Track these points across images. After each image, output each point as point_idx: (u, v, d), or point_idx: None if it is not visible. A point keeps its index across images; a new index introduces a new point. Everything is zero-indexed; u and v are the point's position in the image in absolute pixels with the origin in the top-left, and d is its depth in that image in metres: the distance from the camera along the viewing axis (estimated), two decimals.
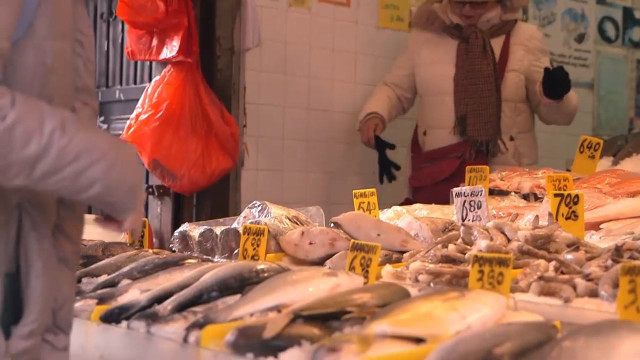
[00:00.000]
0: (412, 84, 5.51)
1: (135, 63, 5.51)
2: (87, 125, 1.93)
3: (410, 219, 3.29)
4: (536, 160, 5.45)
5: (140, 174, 2.01)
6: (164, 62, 5.09)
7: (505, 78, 5.29)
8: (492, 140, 5.24)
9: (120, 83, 5.66)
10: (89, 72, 2.06)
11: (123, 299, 2.56)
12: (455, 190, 3.43)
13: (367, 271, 2.64)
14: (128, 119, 5.04)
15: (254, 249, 3.05)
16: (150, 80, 5.23)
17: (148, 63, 5.42)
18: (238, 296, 2.39)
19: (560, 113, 5.24)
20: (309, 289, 2.33)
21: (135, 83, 5.55)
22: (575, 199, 3.03)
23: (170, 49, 4.98)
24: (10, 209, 1.83)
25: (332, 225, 3.18)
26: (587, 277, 2.42)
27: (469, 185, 3.90)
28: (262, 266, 2.53)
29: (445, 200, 4.03)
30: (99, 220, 2.04)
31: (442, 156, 5.32)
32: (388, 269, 2.78)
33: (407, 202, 4.89)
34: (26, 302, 1.85)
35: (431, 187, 5.27)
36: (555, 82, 4.97)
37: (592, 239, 3.06)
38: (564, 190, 3.43)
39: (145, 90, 5.04)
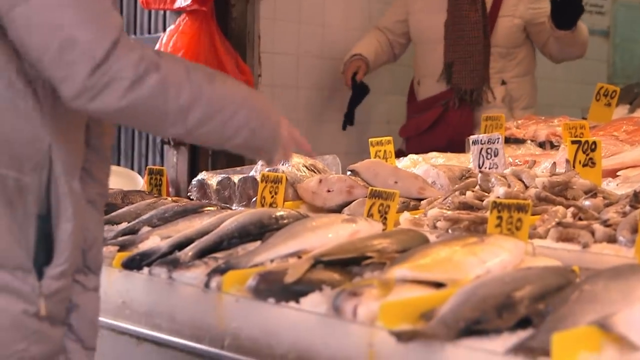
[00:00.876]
0: (405, 30, 5.44)
1: (150, 12, 5.49)
2: (222, 74, 2.04)
3: (427, 167, 3.29)
4: (532, 106, 5.35)
5: (277, 117, 2.10)
6: (179, 11, 5.06)
7: (497, 24, 5.18)
8: (478, 89, 5.16)
9: (135, 32, 5.64)
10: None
11: (144, 246, 2.58)
12: (472, 137, 3.43)
13: (385, 218, 2.65)
14: None
15: (272, 196, 3.07)
16: (164, 29, 5.20)
17: (162, 12, 5.39)
18: (258, 242, 2.41)
19: (574, 44, 5.10)
20: (329, 235, 2.34)
21: (149, 33, 5.53)
22: (593, 146, 3.03)
23: None
24: (43, 152, 1.85)
25: (349, 172, 3.19)
26: (605, 223, 2.43)
27: (485, 133, 3.89)
28: (282, 213, 2.55)
29: (429, 150, 3.96)
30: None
31: (429, 106, 5.28)
32: (406, 216, 2.80)
33: (400, 153, 4.80)
34: (57, 244, 1.87)
35: (417, 137, 5.25)
36: (565, 10, 4.87)
37: (609, 186, 3.06)
38: (581, 137, 3.42)
39: (159, 39, 5.01)
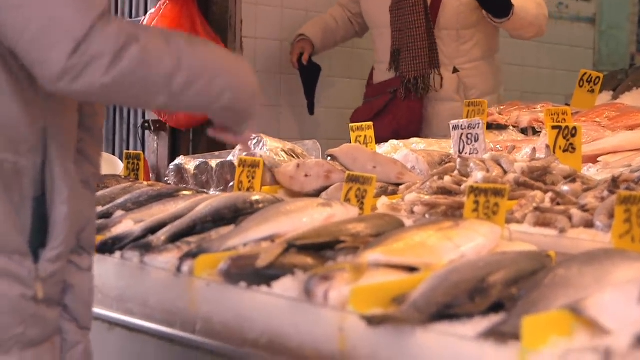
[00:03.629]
0: (360, 10, 5.22)
1: None
2: (199, 39, 2.02)
3: (406, 152, 3.27)
4: (491, 92, 5.02)
5: (255, 79, 2.07)
6: None
7: (443, 4, 4.86)
8: (422, 76, 4.86)
9: (116, 15, 5.59)
10: None
11: (117, 230, 2.55)
12: (453, 122, 3.40)
13: (362, 203, 2.63)
14: None
15: (249, 181, 3.04)
16: (145, 13, 5.17)
17: None
18: (232, 227, 2.38)
19: (521, 27, 4.81)
20: (303, 219, 2.32)
21: (130, 16, 5.48)
22: (573, 132, 3.01)
23: None
24: (38, 134, 1.84)
25: (328, 157, 3.16)
26: (583, 208, 2.41)
27: (467, 118, 3.87)
28: (257, 197, 2.52)
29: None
30: (215, 132, 2.10)
31: (379, 92, 5.05)
32: (384, 200, 2.78)
33: None
34: (53, 227, 1.86)
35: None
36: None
37: (590, 171, 3.04)
38: (563, 123, 3.40)
39: (140, 23, 4.98)
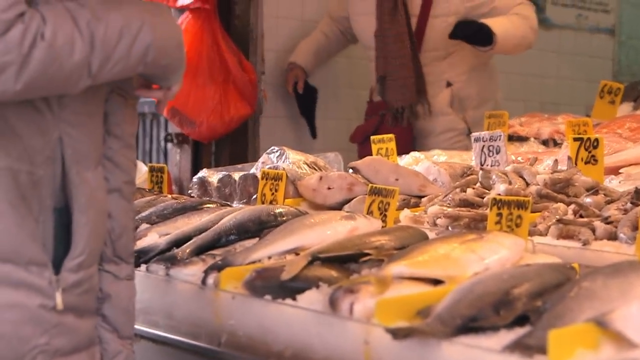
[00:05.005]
0: (350, 25, 5.17)
1: None
2: (112, 2, 1.92)
3: (428, 164, 3.28)
4: (487, 100, 4.97)
5: (179, 29, 2.03)
6: (182, 9, 5.06)
7: (429, 27, 4.78)
8: (409, 106, 4.81)
9: None
10: None
11: (142, 243, 2.57)
12: (474, 135, 3.41)
13: (385, 215, 2.64)
14: None
15: (272, 194, 3.05)
16: None
17: None
18: (256, 239, 2.40)
19: (506, 52, 4.83)
20: (327, 231, 2.33)
21: None
22: (595, 143, 3.01)
23: None
24: (53, 144, 1.85)
25: (350, 170, 3.17)
26: (606, 220, 2.41)
27: (487, 130, 3.87)
28: (281, 210, 2.53)
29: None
30: (143, 88, 2.05)
31: (371, 112, 5.01)
32: (406, 213, 2.78)
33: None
34: (73, 236, 1.87)
35: (360, 145, 4.98)
36: (467, 31, 4.65)
37: (612, 183, 3.03)
38: (584, 134, 3.40)
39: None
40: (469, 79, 4.93)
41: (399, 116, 4.84)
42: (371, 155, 3.75)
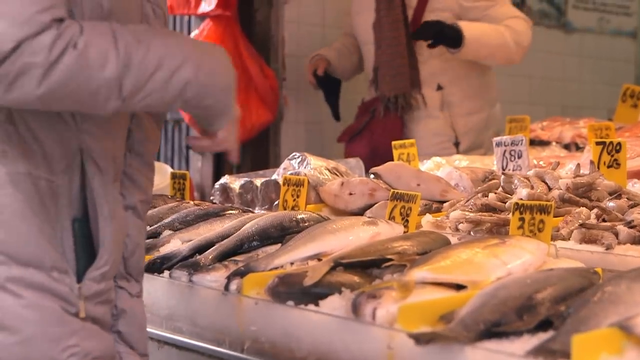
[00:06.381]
0: None
1: (174, 17, 5.51)
2: (163, 31, 1.89)
3: (450, 169, 3.27)
4: (479, 109, 4.86)
5: (232, 72, 1.93)
6: (203, 16, 5.09)
7: (425, 19, 4.68)
8: (403, 95, 4.73)
9: None
10: (159, 19, 2.01)
11: (165, 249, 2.58)
12: (496, 139, 3.40)
13: (407, 221, 2.64)
14: None
15: (294, 200, 3.06)
16: (189, 34, 5.23)
17: (187, 17, 5.41)
18: (278, 245, 2.40)
19: (482, 58, 4.70)
20: (349, 237, 2.33)
21: None
22: (618, 147, 3.00)
23: (209, 3, 4.97)
24: (72, 155, 1.84)
25: (371, 175, 3.17)
26: (630, 224, 2.40)
27: (509, 135, 3.87)
28: (303, 215, 2.54)
29: (352, 156, 3.73)
30: (192, 140, 2.01)
31: (362, 112, 4.95)
32: (428, 218, 2.78)
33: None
34: (98, 246, 1.86)
35: (348, 144, 4.93)
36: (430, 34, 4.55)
37: (635, 187, 3.02)
38: (606, 138, 3.39)
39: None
40: (463, 85, 4.82)
41: (391, 105, 4.74)
42: (356, 154, 3.75)
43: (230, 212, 2.87)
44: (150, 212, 2.99)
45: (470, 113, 4.82)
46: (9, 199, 1.78)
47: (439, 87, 4.78)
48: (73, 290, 1.82)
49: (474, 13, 4.68)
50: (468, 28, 4.55)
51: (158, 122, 2.06)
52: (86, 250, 1.85)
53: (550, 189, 2.79)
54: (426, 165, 3.71)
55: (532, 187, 2.76)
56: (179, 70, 1.79)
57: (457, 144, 4.75)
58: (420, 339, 1.71)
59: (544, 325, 1.74)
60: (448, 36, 4.55)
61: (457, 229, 2.64)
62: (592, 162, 2.96)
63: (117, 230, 1.89)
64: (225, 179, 3.50)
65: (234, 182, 3.44)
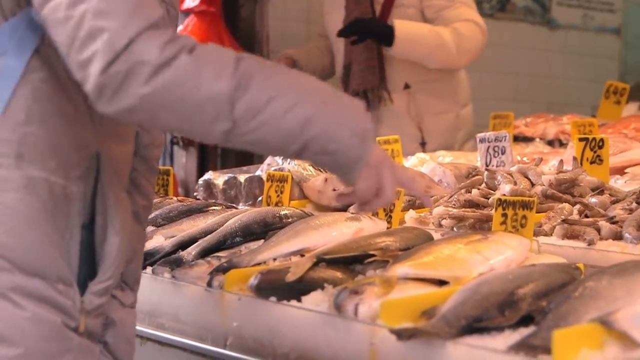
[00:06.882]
0: None
1: None
2: (285, 66, 1.74)
3: (434, 165, 3.28)
4: (447, 111, 4.76)
5: (365, 118, 1.73)
6: (187, 12, 5.07)
7: (391, 17, 4.59)
8: (372, 89, 4.64)
9: None
10: (173, 20, 1.92)
11: (148, 245, 2.55)
12: (479, 135, 3.41)
13: (390, 216, 2.64)
14: None
15: (278, 196, 3.06)
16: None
17: None
18: (262, 241, 2.40)
19: (418, 59, 4.57)
20: (332, 233, 2.33)
21: None
22: (600, 143, 3.01)
23: None
24: (89, 160, 1.74)
25: None
26: (611, 220, 2.41)
27: (493, 131, 3.87)
28: (286, 211, 2.54)
29: None
30: (340, 198, 1.86)
31: None
32: (411, 214, 2.79)
33: None
34: (103, 258, 1.77)
35: None
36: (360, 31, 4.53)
37: (617, 183, 3.04)
38: (589, 135, 3.40)
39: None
40: (430, 85, 4.73)
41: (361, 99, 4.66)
42: None
43: (214, 208, 2.86)
44: None
45: (438, 113, 4.75)
46: (22, 204, 1.67)
47: (406, 86, 4.71)
48: (75, 304, 1.72)
49: (429, 12, 4.61)
50: (402, 27, 4.49)
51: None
52: (88, 260, 1.77)
53: (533, 184, 2.80)
54: (410, 161, 3.71)
55: (515, 183, 2.77)
56: (302, 103, 1.63)
57: (423, 144, 4.70)
58: (402, 335, 1.72)
59: (526, 320, 1.75)
60: (378, 33, 4.51)
61: (440, 225, 2.65)
62: (575, 158, 2.97)
63: (124, 243, 1.80)
64: (209, 175, 3.49)
65: (218, 178, 3.43)
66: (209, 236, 2.44)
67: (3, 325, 1.66)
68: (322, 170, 3.30)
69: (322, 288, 2.04)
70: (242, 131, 1.61)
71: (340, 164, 1.71)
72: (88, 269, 1.76)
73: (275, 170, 3.18)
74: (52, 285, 1.69)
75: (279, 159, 3.38)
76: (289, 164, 3.30)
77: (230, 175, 3.43)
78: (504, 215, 2.33)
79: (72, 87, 1.68)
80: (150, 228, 2.74)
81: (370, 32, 4.53)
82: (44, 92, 1.68)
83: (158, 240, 2.59)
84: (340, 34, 4.61)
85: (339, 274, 2.09)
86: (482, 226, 2.55)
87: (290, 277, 2.06)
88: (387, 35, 4.48)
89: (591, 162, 3.00)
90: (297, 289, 2.04)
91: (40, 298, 1.68)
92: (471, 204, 2.73)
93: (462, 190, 2.85)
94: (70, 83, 1.67)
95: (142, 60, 1.54)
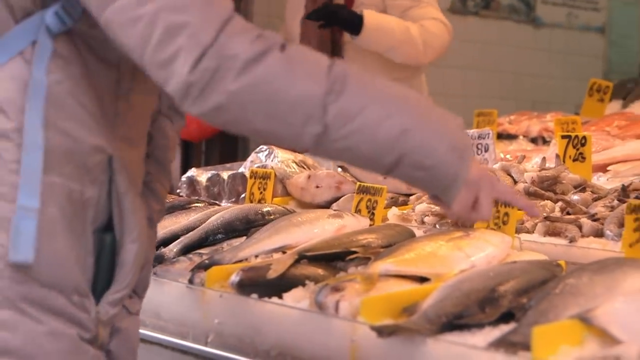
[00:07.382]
0: None
1: None
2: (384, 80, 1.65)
3: None
4: None
5: (465, 134, 1.68)
6: None
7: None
8: None
9: None
10: None
11: None
12: None
13: (373, 214, 2.64)
14: None
15: (261, 193, 3.05)
16: None
17: None
18: (243, 238, 2.39)
19: (384, 51, 4.44)
20: (314, 230, 2.33)
21: None
22: (583, 141, 3.02)
23: None
24: (102, 164, 1.65)
25: (339, 168, 3.17)
26: (593, 217, 2.42)
27: (476, 128, 3.87)
28: (268, 208, 2.54)
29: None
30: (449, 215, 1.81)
31: None
32: (394, 211, 2.78)
33: None
34: (120, 267, 1.69)
35: None
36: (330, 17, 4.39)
37: (600, 180, 3.04)
38: (572, 132, 3.41)
39: None
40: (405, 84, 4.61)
41: None
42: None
43: (196, 204, 2.86)
44: None
45: None
46: (41, 212, 1.57)
47: None
48: (91, 315, 1.65)
49: (395, 11, 4.52)
50: (371, 16, 4.41)
51: (178, 127, 1.94)
52: (103, 267, 1.68)
53: (515, 182, 2.80)
54: None
55: (497, 180, 2.77)
56: (398, 114, 1.57)
57: None
58: (382, 332, 1.71)
59: (506, 317, 1.75)
60: (345, 20, 4.43)
61: (422, 222, 2.64)
62: (557, 156, 2.98)
63: (141, 251, 1.72)
64: (192, 172, 3.48)
65: (201, 175, 3.42)
66: (191, 233, 2.43)
67: (22, 341, 1.57)
68: (305, 167, 3.29)
69: (304, 285, 2.04)
70: (334, 137, 1.54)
71: (436, 180, 1.65)
72: (103, 279, 1.69)
73: (258, 167, 3.18)
74: (67, 297, 1.61)
75: (262, 156, 3.37)
76: (272, 160, 3.29)
77: (213, 172, 3.42)
78: None
79: (87, 92, 1.63)
80: None
81: (337, 17, 4.45)
82: (58, 94, 1.61)
83: None
84: (308, 17, 4.51)
85: (320, 271, 2.09)
86: (464, 223, 2.55)
87: (272, 274, 2.05)
88: (354, 24, 4.41)
89: (574, 160, 3.00)
90: (279, 286, 2.04)
91: (57, 311, 1.60)
92: None
93: None
94: (83, 84, 1.62)
95: (232, 55, 1.47)
